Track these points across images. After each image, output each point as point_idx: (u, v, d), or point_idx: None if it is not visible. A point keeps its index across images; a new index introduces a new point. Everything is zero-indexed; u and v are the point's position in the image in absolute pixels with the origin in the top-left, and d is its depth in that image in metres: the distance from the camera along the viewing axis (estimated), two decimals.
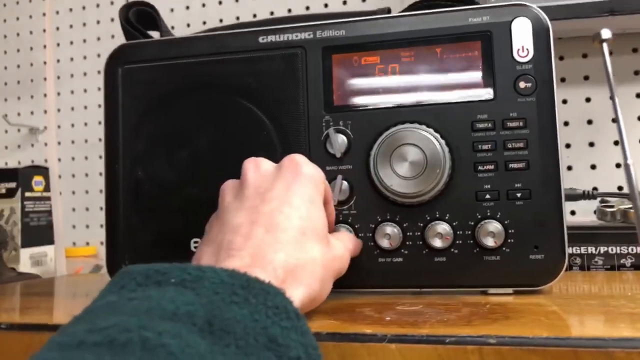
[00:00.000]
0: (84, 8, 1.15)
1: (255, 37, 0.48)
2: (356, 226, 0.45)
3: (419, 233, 0.44)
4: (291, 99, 0.47)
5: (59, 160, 1.14)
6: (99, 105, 1.13)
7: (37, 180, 1.09)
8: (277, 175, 0.37)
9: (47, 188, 1.10)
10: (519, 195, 0.42)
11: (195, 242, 0.48)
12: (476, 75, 0.44)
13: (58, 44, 1.16)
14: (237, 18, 1.03)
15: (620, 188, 0.83)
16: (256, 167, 0.38)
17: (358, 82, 0.46)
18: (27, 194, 1.06)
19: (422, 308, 0.38)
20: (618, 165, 0.83)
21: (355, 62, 0.46)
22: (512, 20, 0.44)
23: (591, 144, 0.84)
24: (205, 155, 0.48)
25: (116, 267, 0.49)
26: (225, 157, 0.48)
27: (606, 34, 0.38)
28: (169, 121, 0.49)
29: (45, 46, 1.17)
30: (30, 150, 1.18)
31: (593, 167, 0.84)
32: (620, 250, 0.58)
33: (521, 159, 0.43)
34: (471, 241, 0.43)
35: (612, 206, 0.64)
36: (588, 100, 0.84)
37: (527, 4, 0.44)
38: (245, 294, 0.26)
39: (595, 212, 0.66)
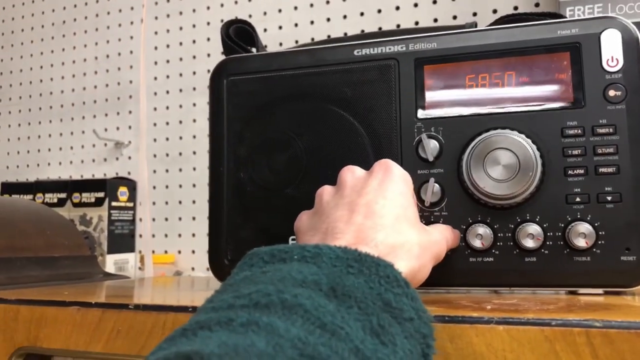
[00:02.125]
0: (167, 31, 1.23)
1: (350, 50, 0.52)
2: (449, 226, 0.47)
3: (509, 234, 0.46)
4: (384, 107, 0.50)
5: (141, 172, 1.22)
6: (180, 122, 1.20)
7: (122, 191, 1.17)
8: (370, 175, 0.41)
9: (130, 198, 1.18)
10: (609, 198, 0.44)
11: (293, 239, 0.51)
12: (566, 85, 0.46)
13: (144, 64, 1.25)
14: (329, 35, 1.08)
15: None
16: (352, 172, 0.42)
17: (449, 91, 0.49)
18: (114, 204, 1.13)
19: (518, 302, 0.40)
20: None
21: (446, 73, 0.49)
22: (602, 31, 0.46)
23: None
24: (303, 159, 0.52)
25: (218, 261, 0.53)
26: (321, 161, 0.52)
27: None
28: (269, 128, 0.54)
29: (131, 66, 1.26)
30: (115, 163, 1.26)
31: None
32: None
33: (611, 164, 0.44)
34: (561, 242, 0.44)
35: None
36: None
37: (616, 16, 0.46)
38: (359, 266, 0.30)
39: None
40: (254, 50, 0.61)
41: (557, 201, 0.45)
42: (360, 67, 0.52)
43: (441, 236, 0.42)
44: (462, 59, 0.49)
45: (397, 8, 1.01)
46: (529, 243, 0.44)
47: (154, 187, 1.20)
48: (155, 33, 1.24)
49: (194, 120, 1.19)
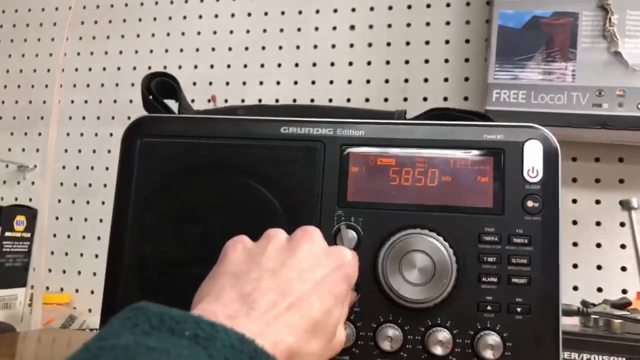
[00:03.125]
0: (91, 54, 1.16)
1: (278, 126, 0.50)
2: (358, 324, 0.45)
3: (419, 337, 0.44)
4: (306, 189, 0.48)
5: (43, 200, 1.13)
6: (94, 151, 1.13)
7: (19, 220, 1.08)
8: (322, 260, 0.38)
9: (27, 228, 1.09)
10: (519, 309, 0.44)
11: None
12: (487, 189, 0.46)
13: (61, 85, 1.17)
14: (244, 83, 1.05)
15: (599, 289, 0.85)
16: (311, 241, 0.39)
17: (372, 181, 0.48)
18: (7, 234, 1.04)
19: None
20: (599, 267, 0.86)
21: (371, 162, 0.48)
22: (525, 141, 0.47)
23: (575, 244, 0.87)
24: (215, 236, 0.49)
25: None
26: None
27: (636, 202, 0.40)
28: (182, 198, 0.50)
29: (47, 85, 1.18)
30: (15, 187, 1.16)
31: (575, 266, 0.86)
32: (602, 359, 0.60)
33: (524, 275, 0.44)
34: (469, 350, 0.44)
35: (591, 314, 0.66)
36: (574, 201, 0.88)
37: (539, 127, 0.47)
38: None
39: (579, 318, 0.68)
40: (175, 105, 0.58)
41: (469, 308, 0.44)
42: (285, 146, 0.50)
43: (342, 339, 0.40)
44: (388, 151, 0.48)
45: (331, 82, 1.01)
46: (438, 350, 0.43)
47: (57, 218, 1.12)
48: (78, 54, 1.17)
49: (109, 151, 1.12)
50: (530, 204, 0.45)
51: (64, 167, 1.14)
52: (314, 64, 1.02)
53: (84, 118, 1.15)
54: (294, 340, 0.33)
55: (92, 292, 1.06)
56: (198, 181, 0.50)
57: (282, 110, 0.55)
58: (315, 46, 1.02)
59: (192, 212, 0.50)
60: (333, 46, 1.01)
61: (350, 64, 1.00)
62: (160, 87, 0.57)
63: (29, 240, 1.09)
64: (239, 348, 0.28)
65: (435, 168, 0.47)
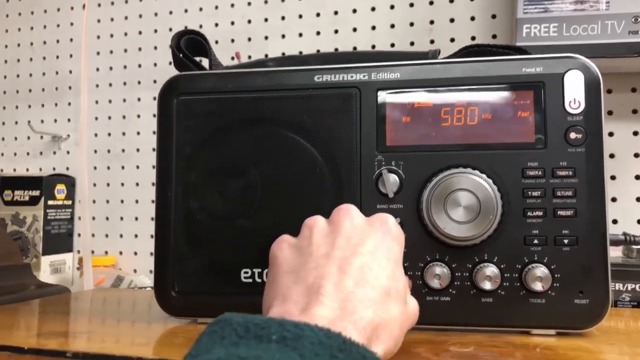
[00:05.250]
0: (112, 20, 1.16)
1: (311, 75, 0.50)
2: (405, 264, 0.46)
3: (467, 274, 0.45)
4: (345, 137, 0.49)
5: (81, 168, 1.15)
6: (124, 117, 1.14)
7: (60, 189, 1.11)
8: (368, 231, 0.38)
9: (68, 196, 1.12)
10: (566, 241, 0.44)
11: (245, 273, 0.49)
12: (528, 124, 0.46)
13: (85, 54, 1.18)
14: (266, 38, 1.04)
15: (639, 221, 0.85)
16: (350, 217, 0.39)
17: (411, 124, 0.48)
18: (50, 202, 1.07)
19: (475, 350, 0.40)
20: (638, 199, 0.85)
21: (408, 105, 0.48)
22: (565, 72, 0.46)
23: (613, 177, 0.86)
24: (258, 189, 0.50)
25: (164, 292, 0.51)
26: (277, 191, 0.49)
27: None
28: (223, 153, 0.51)
29: (71, 55, 1.19)
30: (52, 157, 1.19)
31: (614, 199, 0.86)
32: None
33: (569, 207, 0.44)
34: (518, 284, 0.44)
35: (638, 243, 0.65)
36: (611, 134, 0.86)
37: (579, 56, 0.46)
38: (343, 357, 0.27)
39: (621, 248, 0.68)
40: (206, 62, 0.58)
41: (516, 242, 0.45)
42: (320, 94, 0.49)
43: (417, 308, 0.39)
44: (425, 92, 0.48)
45: (355, 30, 0.99)
46: (486, 285, 0.44)
47: (95, 185, 1.14)
48: (98, 21, 1.17)
49: (138, 116, 1.13)
50: (573, 135, 0.45)
51: (96, 135, 1.16)
52: (336, 12, 1.00)
53: (110, 85, 1.16)
54: (373, 313, 0.33)
55: (135, 253, 1.09)
56: (237, 136, 0.51)
57: (313, 60, 0.54)
58: None
59: (234, 167, 0.50)
60: None
61: (373, 9, 0.98)
62: (189, 45, 0.57)
63: (70, 208, 1.12)
64: (327, 343, 0.28)
65: (474, 106, 0.47)
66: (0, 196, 1.07)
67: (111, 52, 1.16)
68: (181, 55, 0.56)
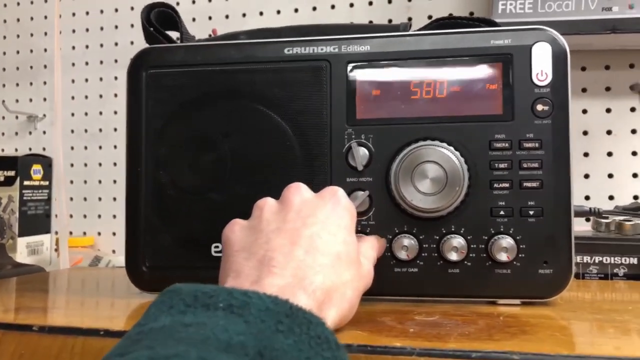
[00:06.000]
0: None
1: (281, 47, 0.50)
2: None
3: (434, 245, 0.46)
4: (315, 110, 0.49)
5: (58, 148, 1.14)
6: (100, 96, 1.13)
7: (36, 169, 1.09)
8: (318, 203, 0.38)
9: (45, 177, 1.10)
10: (531, 212, 0.45)
11: (216, 247, 0.49)
12: (496, 96, 0.46)
13: (60, 32, 1.16)
14: (244, 15, 1.03)
15: (611, 197, 0.86)
16: (300, 193, 0.39)
17: (380, 97, 0.48)
18: (26, 183, 1.06)
19: (439, 319, 0.40)
20: (610, 176, 0.86)
21: (378, 78, 0.48)
22: (533, 44, 0.46)
23: (586, 154, 0.87)
24: (229, 162, 0.50)
25: (135, 267, 0.51)
26: (248, 164, 0.49)
27: None
28: (193, 126, 0.50)
29: (46, 33, 1.16)
30: (28, 138, 1.17)
31: (586, 176, 0.87)
32: (614, 260, 0.61)
33: (535, 179, 0.45)
34: (484, 255, 0.45)
35: (606, 217, 0.67)
36: (585, 111, 0.87)
37: (547, 28, 0.46)
38: (289, 323, 0.27)
39: (590, 222, 0.69)
40: (177, 36, 0.58)
41: (482, 214, 0.45)
42: (290, 67, 0.49)
43: (370, 266, 0.40)
44: (395, 65, 0.48)
45: (333, 7, 0.98)
46: (453, 256, 0.45)
47: (72, 165, 1.13)
48: None
49: (116, 95, 1.12)
50: (540, 107, 0.45)
51: (72, 115, 1.14)
52: None
53: (87, 64, 1.14)
54: (323, 277, 0.33)
55: (114, 234, 1.09)
56: (207, 109, 0.50)
57: (284, 32, 0.54)
58: None
59: (204, 140, 0.50)
60: None
61: None
62: (160, 18, 0.57)
63: (47, 188, 1.11)
64: (274, 309, 0.28)
65: (443, 79, 0.47)
66: None
67: (87, 30, 1.14)
68: (151, 28, 0.55)
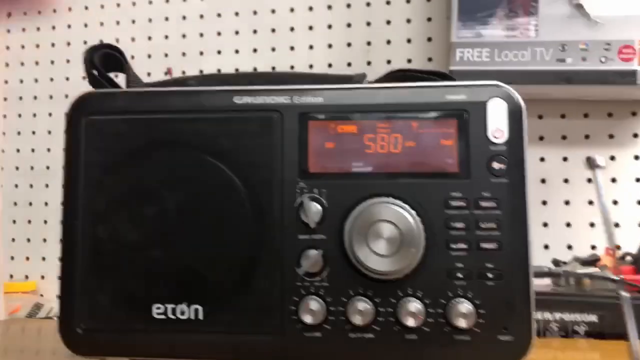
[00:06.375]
0: (38, 29, 1.10)
1: (230, 96, 0.47)
2: (327, 299, 0.44)
3: (391, 309, 0.43)
4: (265, 163, 0.46)
5: (0, 186, 1.08)
6: (49, 132, 1.08)
7: None
8: None
9: None
10: (490, 275, 0.43)
11: (158, 308, 0.45)
12: (451, 153, 0.45)
13: (7, 64, 1.11)
14: (201, 53, 1.01)
15: (569, 247, 0.86)
16: None
17: (334, 151, 0.46)
18: None
19: None
20: (568, 225, 0.86)
21: (332, 130, 0.46)
22: (488, 100, 0.45)
23: (544, 202, 0.87)
24: (173, 216, 0.46)
25: (69, 330, 0.46)
26: (194, 219, 0.46)
27: (601, 160, 0.39)
28: (134, 178, 0.47)
29: None
30: None
31: (545, 224, 0.87)
32: (575, 317, 0.60)
33: (493, 239, 0.43)
34: (442, 320, 0.43)
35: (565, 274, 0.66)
36: (542, 159, 0.88)
37: (503, 84, 0.45)
38: None
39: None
40: (122, 77, 0.55)
41: (439, 276, 0.43)
42: (240, 117, 0.47)
43: None
44: (349, 117, 0.46)
45: (292, 48, 0.97)
46: (410, 321, 0.42)
47: (15, 204, 1.07)
48: (23, 30, 1.10)
49: (49, 132, 1.07)
50: (496, 165, 0.44)
51: (18, 151, 1.09)
52: (273, 30, 0.98)
53: (35, 98, 1.10)
54: None
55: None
56: (150, 159, 0.47)
57: (235, 79, 0.52)
58: (273, 10, 0.98)
59: (147, 193, 0.47)
60: (292, 10, 0.97)
61: (311, 27, 0.97)
62: (104, 60, 0.54)
63: None
64: None
65: (397, 133, 0.45)
66: None
67: (37, 63, 1.10)
68: (95, 71, 0.52)
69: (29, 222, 1.07)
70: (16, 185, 1.08)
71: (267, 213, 0.45)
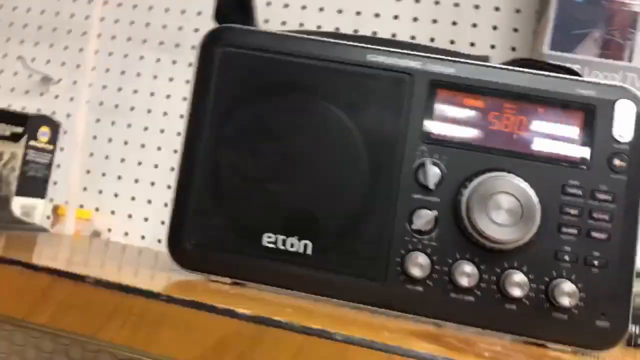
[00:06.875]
0: None
1: (364, 53, 0.49)
2: (433, 257, 0.46)
3: (494, 278, 0.45)
4: (389, 122, 0.48)
5: (68, 116, 1.11)
6: (122, 72, 1.10)
7: (44, 131, 1.06)
8: None
9: (51, 141, 1.07)
10: (596, 263, 0.45)
11: (269, 237, 0.47)
12: (575, 143, 0.46)
13: (105, 2, 1.13)
14: (301, 24, 1.03)
15: None
16: None
17: (459, 121, 0.48)
18: (31, 143, 1.02)
19: (503, 349, 0.39)
20: None
21: (458, 102, 0.48)
22: (617, 100, 0.47)
23: None
24: (294, 156, 0.48)
25: (179, 243, 0.49)
26: (311, 161, 0.48)
27: None
28: (262, 113, 0.49)
29: (90, 1, 1.14)
30: (38, 99, 1.13)
31: None
32: None
33: (604, 230, 0.45)
34: (543, 296, 0.45)
35: None
36: None
37: (629, 87, 0.47)
38: None
39: None
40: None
41: (547, 255, 0.45)
42: (371, 74, 0.49)
43: None
44: (477, 92, 0.48)
45: (377, 15, 0.99)
46: (515, 291, 0.44)
47: (78, 135, 1.09)
48: None
49: (138, 75, 1.09)
50: (617, 162, 0.46)
51: (90, 85, 1.11)
52: None
53: (113, 37, 1.12)
54: None
55: (113, 212, 1.05)
56: (279, 99, 0.49)
57: (366, 41, 0.53)
58: None
59: (272, 129, 0.49)
60: None
61: None
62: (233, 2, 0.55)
63: (51, 153, 1.07)
64: None
65: (523, 115, 0.47)
66: None
67: (119, 4, 1.12)
68: (225, 7, 0.54)
69: (91, 154, 1.09)
70: (84, 118, 1.10)
71: (385, 168, 0.47)
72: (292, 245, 0.47)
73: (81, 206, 1.06)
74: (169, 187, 1.01)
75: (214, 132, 0.49)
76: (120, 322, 0.36)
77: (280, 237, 0.47)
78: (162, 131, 1.06)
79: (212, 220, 0.48)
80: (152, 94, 1.08)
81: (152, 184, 1.04)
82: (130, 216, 1.04)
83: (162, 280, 0.46)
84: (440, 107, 0.48)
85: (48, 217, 1.02)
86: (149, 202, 1.03)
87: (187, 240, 0.48)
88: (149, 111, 1.08)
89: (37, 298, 0.37)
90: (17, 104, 1.14)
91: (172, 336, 0.36)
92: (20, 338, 0.40)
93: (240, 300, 0.39)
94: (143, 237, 1.02)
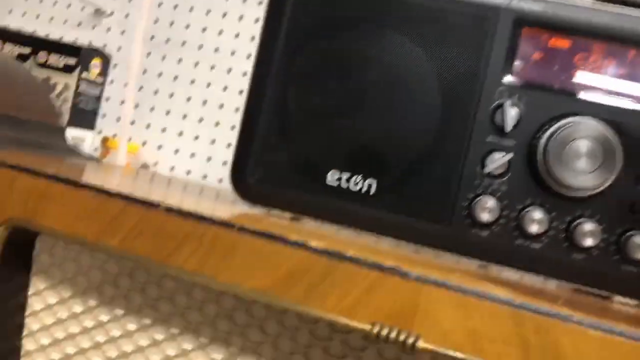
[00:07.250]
0: None
1: None
2: (503, 202, 0.44)
3: (564, 226, 0.44)
4: (468, 59, 0.46)
5: (119, 49, 1.11)
6: (175, 7, 1.09)
7: (95, 63, 1.06)
8: None
9: (102, 73, 1.07)
10: None
11: (334, 174, 0.47)
12: None
13: None
14: None
15: None
16: None
17: (542, 62, 0.45)
18: (83, 75, 1.03)
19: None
20: None
21: (543, 42, 0.45)
22: None
23: None
24: (364, 91, 0.47)
25: (242, 180, 0.48)
26: (382, 98, 0.47)
27: None
28: (334, 48, 0.48)
29: None
30: (89, 31, 1.13)
31: None
32: None
33: None
34: (614, 248, 0.43)
35: None
36: None
37: None
38: None
39: None
40: None
41: (622, 207, 0.43)
42: (453, 9, 0.46)
43: None
44: (565, 32, 0.45)
45: None
46: (586, 241, 0.43)
47: (129, 68, 1.10)
48: None
49: (191, 9, 1.08)
50: None
51: (141, 19, 1.10)
52: None
53: None
54: None
55: (160, 147, 1.06)
56: (354, 33, 0.48)
57: None
58: None
59: (343, 64, 0.47)
60: None
61: None
62: None
63: (101, 86, 1.08)
64: None
65: (612, 59, 0.45)
66: (33, 57, 1.03)
67: None
68: None
69: (140, 88, 1.09)
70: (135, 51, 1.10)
71: (460, 108, 0.46)
72: (356, 184, 0.46)
73: (129, 139, 1.07)
74: (217, 124, 1.01)
75: (285, 66, 0.48)
76: (191, 250, 0.36)
77: (345, 175, 0.47)
78: (212, 67, 1.05)
79: (277, 157, 0.48)
80: (203, 30, 1.07)
81: (200, 120, 1.04)
82: (177, 151, 1.05)
83: (224, 212, 0.46)
84: (524, 47, 0.46)
85: (95, 149, 1.03)
86: (196, 137, 1.04)
87: (251, 174, 0.48)
88: (200, 47, 1.07)
89: (109, 222, 0.37)
90: (69, 36, 1.14)
91: (242, 265, 0.36)
92: (88, 260, 0.41)
93: (306, 235, 0.39)
94: (188, 172, 1.03)
